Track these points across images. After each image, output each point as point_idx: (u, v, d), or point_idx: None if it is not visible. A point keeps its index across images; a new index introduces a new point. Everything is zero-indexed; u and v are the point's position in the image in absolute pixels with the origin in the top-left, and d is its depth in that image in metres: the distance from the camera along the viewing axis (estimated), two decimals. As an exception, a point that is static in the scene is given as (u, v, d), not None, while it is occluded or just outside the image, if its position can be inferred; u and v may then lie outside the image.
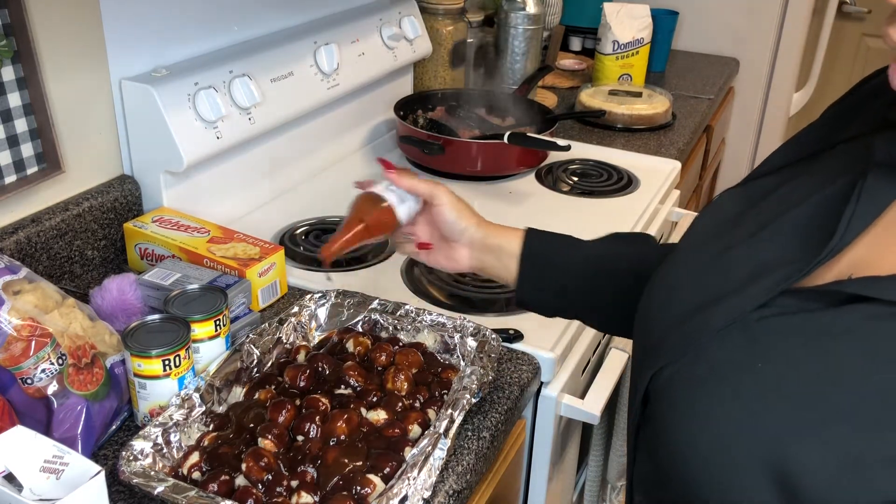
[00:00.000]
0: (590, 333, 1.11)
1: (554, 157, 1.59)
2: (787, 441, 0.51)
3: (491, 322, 1.02)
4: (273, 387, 0.87)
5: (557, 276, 0.90)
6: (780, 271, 0.57)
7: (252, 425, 0.81)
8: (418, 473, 0.73)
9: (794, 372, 0.53)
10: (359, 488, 0.74)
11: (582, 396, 1.06)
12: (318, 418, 0.81)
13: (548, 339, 1.04)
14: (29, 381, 0.76)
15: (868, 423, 0.49)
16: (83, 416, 0.78)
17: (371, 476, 0.75)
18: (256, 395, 0.86)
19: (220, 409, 0.85)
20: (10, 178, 0.98)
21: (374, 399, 0.86)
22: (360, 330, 0.98)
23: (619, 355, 1.15)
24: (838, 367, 0.51)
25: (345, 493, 0.73)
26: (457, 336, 0.94)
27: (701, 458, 0.55)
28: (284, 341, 0.94)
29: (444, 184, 0.90)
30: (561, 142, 1.40)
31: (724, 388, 0.55)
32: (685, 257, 0.69)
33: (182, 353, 0.82)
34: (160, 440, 0.78)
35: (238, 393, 0.88)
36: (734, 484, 0.53)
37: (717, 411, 0.55)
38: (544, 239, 0.93)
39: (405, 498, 0.72)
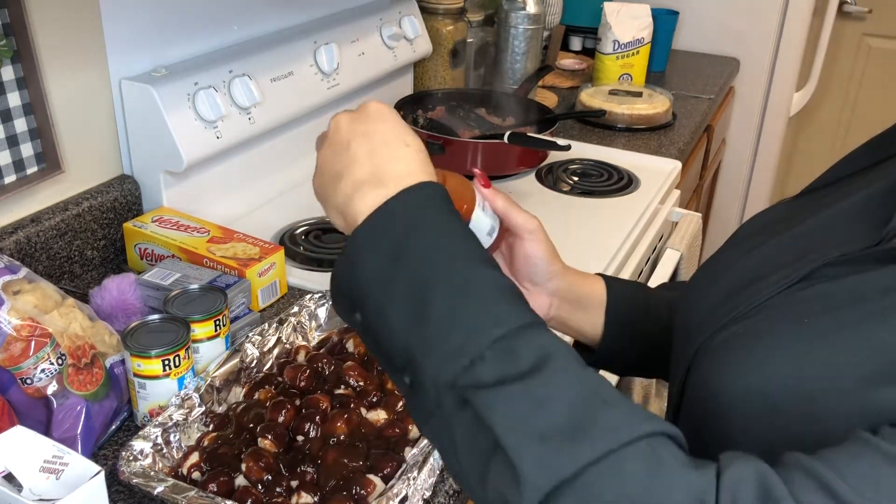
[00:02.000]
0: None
1: (554, 156, 1.58)
2: (830, 374, 0.51)
3: (491, 322, 1.02)
4: (273, 387, 0.87)
5: (645, 325, 0.82)
6: (828, 252, 0.58)
7: (252, 425, 0.81)
8: (418, 473, 0.73)
9: (839, 322, 0.53)
10: (359, 488, 0.74)
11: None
12: (317, 418, 0.81)
13: (548, 339, 1.03)
14: (28, 381, 0.76)
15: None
16: (83, 416, 0.78)
17: (371, 476, 0.75)
18: (256, 395, 0.86)
19: (220, 410, 0.85)
20: (10, 178, 0.98)
21: (374, 399, 0.86)
22: (360, 330, 0.98)
23: (619, 355, 1.15)
24: (881, 321, 0.52)
25: (345, 493, 0.73)
26: (457, 336, 0.94)
27: (740, 405, 0.55)
28: (284, 341, 0.94)
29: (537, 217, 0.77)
30: (561, 142, 1.40)
31: (769, 340, 0.56)
32: (732, 246, 0.70)
33: (182, 353, 0.82)
34: (160, 440, 0.78)
35: (238, 393, 0.88)
36: (775, 422, 0.53)
37: (760, 359, 0.55)
38: (624, 285, 0.86)
39: (405, 498, 0.72)
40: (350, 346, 0.93)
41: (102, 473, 0.65)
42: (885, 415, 0.47)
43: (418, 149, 0.60)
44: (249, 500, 0.73)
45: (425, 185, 0.57)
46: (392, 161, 0.58)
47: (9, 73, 0.95)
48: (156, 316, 0.85)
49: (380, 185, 0.57)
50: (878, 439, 0.45)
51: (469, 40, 1.83)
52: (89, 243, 1.10)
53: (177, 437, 0.79)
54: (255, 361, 0.90)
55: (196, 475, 0.77)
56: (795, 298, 0.57)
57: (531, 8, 1.78)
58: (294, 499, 0.74)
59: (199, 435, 0.82)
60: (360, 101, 1.55)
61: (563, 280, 0.79)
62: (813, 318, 0.55)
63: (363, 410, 0.84)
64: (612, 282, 0.83)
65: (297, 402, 0.84)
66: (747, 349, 0.57)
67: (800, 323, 0.55)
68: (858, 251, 0.57)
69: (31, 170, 1.01)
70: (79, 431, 0.78)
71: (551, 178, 1.53)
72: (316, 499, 0.74)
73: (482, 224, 0.71)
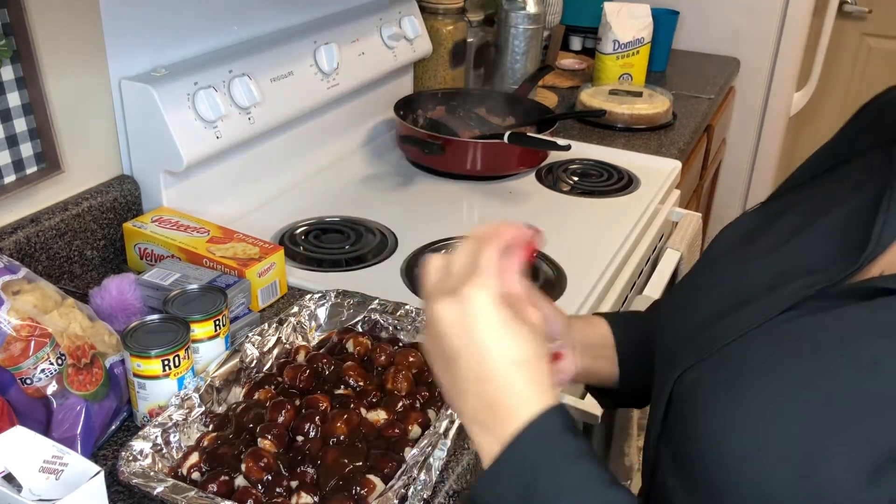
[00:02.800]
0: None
1: (554, 156, 1.58)
2: (820, 437, 0.50)
3: (491, 322, 1.02)
4: (273, 387, 0.87)
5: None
6: (808, 278, 0.58)
7: (252, 425, 0.81)
8: (418, 473, 0.73)
9: (827, 367, 0.53)
10: (359, 488, 0.74)
11: (582, 397, 1.06)
12: (317, 418, 0.81)
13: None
14: (28, 381, 0.76)
15: None
16: (82, 416, 0.78)
17: (371, 476, 0.75)
18: (256, 395, 0.86)
19: (220, 410, 0.85)
20: (10, 178, 0.98)
21: (374, 399, 0.86)
22: (360, 330, 0.98)
23: (619, 355, 1.15)
24: (873, 360, 0.51)
25: (345, 493, 0.73)
26: (457, 336, 0.94)
27: (732, 464, 0.54)
28: (284, 341, 0.94)
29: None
30: (561, 141, 1.40)
31: (754, 391, 0.55)
32: (708, 266, 0.70)
33: (182, 353, 0.82)
34: (160, 440, 0.78)
35: (238, 393, 0.88)
36: (766, 485, 0.52)
37: (746, 415, 0.54)
38: (625, 319, 0.84)
39: (405, 498, 0.72)
40: (350, 346, 0.93)
41: (102, 474, 0.65)
42: None
43: (529, 362, 0.56)
44: (249, 501, 0.73)
45: (540, 420, 0.55)
46: (502, 393, 0.56)
47: (9, 73, 0.95)
48: (156, 316, 0.85)
49: (494, 426, 0.56)
50: None
51: (469, 40, 1.82)
52: (89, 243, 1.10)
53: (177, 437, 0.79)
54: (254, 361, 0.90)
55: (196, 475, 0.77)
56: (780, 332, 0.56)
57: (531, 8, 1.78)
58: (294, 499, 0.74)
59: (198, 435, 0.81)
60: (360, 101, 1.56)
61: (577, 331, 0.78)
62: (799, 362, 0.54)
63: (363, 410, 0.84)
64: (613, 319, 0.83)
65: (297, 403, 0.84)
66: (730, 398, 0.56)
67: (785, 370, 0.54)
68: (839, 281, 0.56)
69: (31, 170, 1.01)
70: (78, 431, 0.78)
71: (551, 178, 1.53)
72: (316, 499, 0.74)
73: None
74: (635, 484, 1.25)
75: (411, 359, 0.90)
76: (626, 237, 1.31)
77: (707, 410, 0.57)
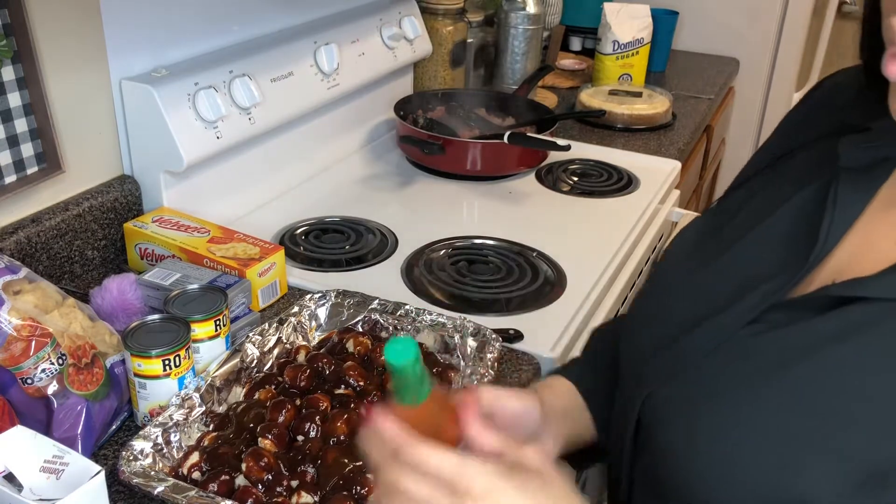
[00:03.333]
0: (589, 333, 1.11)
1: (554, 157, 1.59)
2: (795, 455, 0.50)
3: (491, 322, 1.02)
4: (273, 387, 0.87)
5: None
6: (764, 285, 0.57)
7: (252, 425, 0.81)
8: (418, 473, 0.73)
9: (793, 383, 0.52)
10: (359, 488, 0.74)
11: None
12: (318, 418, 0.81)
13: (548, 339, 1.04)
14: (29, 380, 0.76)
15: (878, 426, 0.48)
16: (83, 416, 0.78)
17: (371, 476, 0.75)
18: (256, 395, 0.86)
19: (220, 409, 0.85)
20: (10, 178, 0.98)
21: (374, 399, 0.86)
22: (360, 330, 0.98)
23: (619, 355, 1.15)
24: (838, 373, 0.50)
25: (345, 493, 0.73)
26: (457, 336, 0.94)
27: (707, 483, 0.53)
28: (284, 341, 0.94)
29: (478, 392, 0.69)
30: (561, 142, 1.40)
31: (724, 408, 0.54)
32: (663, 281, 0.68)
33: (182, 353, 0.82)
34: (160, 440, 0.78)
35: (238, 393, 0.88)
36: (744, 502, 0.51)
37: (718, 432, 0.54)
38: (581, 368, 0.81)
39: (405, 498, 0.72)
40: (350, 346, 0.93)
41: (102, 473, 0.65)
42: None
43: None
44: (249, 500, 0.73)
45: None
46: None
47: (9, 73, 0.95)
48: (156, 316, 0.85)
49: None
50: None
51: (469, 40, 1.83)
52: (90, 243, 1.10)
53: (177, 437, 0.80)
54: (255, 361, 0.90)
55: (196, 475, 0.77)
56: (744, 347, 0.56)
57: (531, 8, 1.78)
58: (294, 499, 0.74)
59: (199, 435, 0.82)
60: (360, 101, 1.56)
61: (549, 404, 0.73)
62: (766, 377, 0.53)
63: (363, 410, 0.84)
64: (573, 375, 0.79)
65: (298, 402, 0.84)
66: (700, 415, 0.55)
67: (752, 385, 0.53)
68: (792, 286, 0.55)
69: (32, 170, 1.01)
70: (79, 431, 0.78)
71: (551, 178, 1.53)
72: (316, 499, 0.74)
73: None
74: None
75: (411, 359, 0.90)
76: (626, 237, 1.31)
77: (678, 429, 0.56)
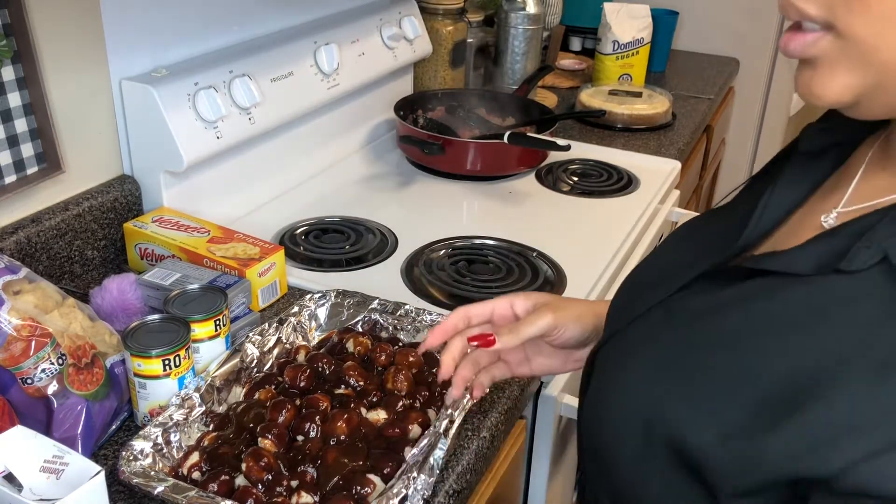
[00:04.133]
0: (590, 333, 1.11)
1: (554, 157, 1.59)
2: (671, 408, 0.54)
3: (491, 322, 1.02)
4: (273, 387, 0.87)
5: None
6: (708, 258, 0.61)
7: (252, 425, 0.81)
8: (418, 473, 0.73)
9: (677, 338, 0.57)
10: (359, 488, 0.74)
11: (582, 396, 1.06)
12: (318, 418, 0.81)
13: (548, 339, 1.03)
14: (29, 380, 0.76)
15: (731, 386, 0.51)
16: (83, 416, 0.78)
17: (371, 476, 0.75)
18: (256, 395, 0.86)
19: (220, 409, 0.85)
20: (10, 178, 0.98)
21: (374, 399, 0.86)
22: (360, 330, 0.98)
23: (619, 355, 1.15)
24: (712, 332, 0.54)
25: (345, 493, 0.73)
26: (457, 336, 0.94)
27: (608, 427, 0.58)
28: (284, 341, 0.94)
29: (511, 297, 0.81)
30: (561, 142, 1.40)
31: (637, 358, 0.59)
32: (638, 266, 0.74)
33: (182, 353, 0.82)
34: (160, 440, 0.78)
35: (238, 393, 0.88)
36: (636, 453, 0.56)
37: (622, 381, 0.59)
38: None
39: (405, 498, 0.72)
40: (350, 346, 0.93)
41: (102, 473, 0.65)
42: (774, 467, 0.48)
43: None
44: (249, 500, 0.73)
45: None
46: None
47: (9, 73, 0.95)
48: (156, 316, 0.85)
49: None
50: None
51: (469, 40, 1.83)
52: (90, 243, 1.10)
53: (177, 437, 0.80)
54: (255, 361, 0.90)
55: (196, 475, 0.77)
56: (668, 310, 0.60)
57: (531, 8, 1.78)
58: (294, 499, 0.74)
59: (199, 435, 0.82)
60: (360, 101, 1.56)
61: (587, 318, 0.79)
62: (672, 334, 0.58)
63: (363, 410, 0.84)
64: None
65: (298, 402, 0.84)
66: (618, 367, 0.61)
67: (660, 341, 0.58)
68: (725, 261, 0.59)
69: (32, 170, 1.01)
70: (79, 431, 0.78)
71: (551, 178, 1.53)
72: (316, 499, 0.74)
73: None
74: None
75: (411, 358, 0.90)
76: (626, 237, 1.31)
77: (599, 380, 0.63)
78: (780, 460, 0.47)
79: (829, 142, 0.60)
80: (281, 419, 0.81)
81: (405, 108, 1.60)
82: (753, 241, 0.60)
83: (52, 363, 0.77)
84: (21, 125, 0.98)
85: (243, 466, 0.76)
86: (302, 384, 0.87)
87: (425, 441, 0.77)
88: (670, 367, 0.56)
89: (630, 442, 0.56)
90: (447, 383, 0.88)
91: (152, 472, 0.74)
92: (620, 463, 0.58)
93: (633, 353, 0.60)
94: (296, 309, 0.97)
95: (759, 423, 0.49)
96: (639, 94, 1.86)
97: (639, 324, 0.62)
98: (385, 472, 0.76)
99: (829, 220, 0.56)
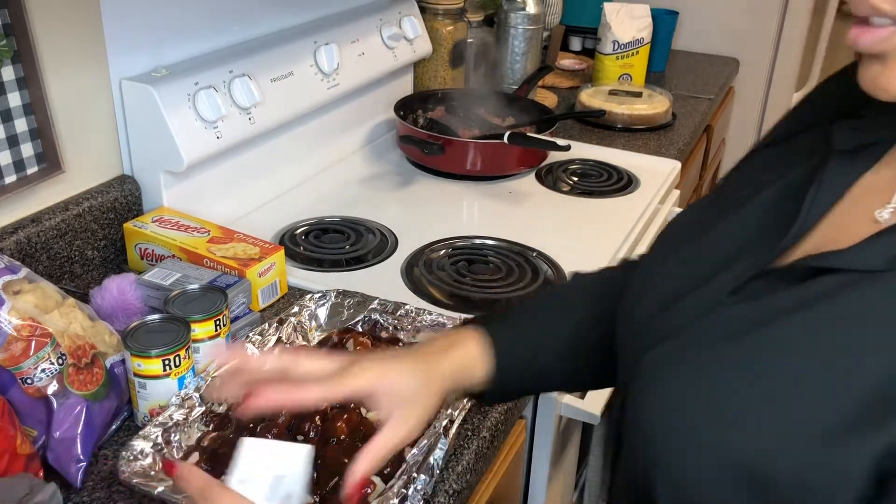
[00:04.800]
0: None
1: (554, 157, 1.59)
2: (741, 415, 0.52)
3: (491, 322, 1.02)
4: (273, 387, 0.87)
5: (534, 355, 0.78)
6: (749, 258, 0.59)
7: (252, 425, 0.81)
8: (418, 473, 0.73)
9: (744, 348, 0.55)
10: (359, 488, 0.74)
11: (582, 396, 1.06)
12: (317, 418, 0.81)
13: (548, 339, 1.03)
14: (29, 380, 0.76)
15: (822, 390, 0.50)
16: (83, 416, 0.78)
17: (371, 476, 0.75)
18: (256, 395, 0.86)
19: (220, 409, 0.85)
20: (10, 178, 0.98)
21: (374, 399, 0.86)
22: (360, 330, 0.98)
23: (619, 355, 1.15)
24: (783, 341, 0.53)
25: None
26: (457, 336, 0.94)
27: (667, 441, 0.56)
28: (284, 341, 0.94)
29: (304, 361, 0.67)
30: (561, 142, 1.40)
31: (692, 369, 0.57)
32: (661, 252, 0.71)
33: (182, 353, 0.82)
34: (160, 440, 0.78)
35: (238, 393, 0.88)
36: (702, 472, 0.53)
37: (678, 395, 0.56)
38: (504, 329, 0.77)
39: (405, 498, 0.72)
40: (350, 346, 0.93)
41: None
42: (858, 468, 0.47)
43: None
44: (249, 500, 0.73)
45: None
46: None
47: (9, 73, 0.95)
48: (156, 316, 0.85)
49: None
50: None
51: (469, 40, 1.83)
52: (90, 243, 1.10)
53: (177, 437, 0.80)
54: (255, 361, 0.90)
55: (196, 475, 0.77)
56: (719, 316, 0.58)
57: (531, 8, 1.78)
58: (294, 498, 0.74)
59: (199, 435, 0.82)
60: (360, 101, 1.56)
61: (441, 371, 0.70)
62: (731, 344, 0.55)
63: (363, 410, 0.84)
64: (490, 329, 0.76)
65: (298, 402, 0.84)
66: (667, 382, 0.58)
67: (718, 350, 0.56)
68: (771, 259, 0.58)
69: (32, 170, 1.01)
70: (79, 431, 0.78)
71: (551, 178, 1.53)
72: (316, 498, 0.74)
73: None
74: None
75: (411, 359, 0.90)
76: (626, 237, 1.31)
77: (651, 392, 0.59)
78: (886, 458, 0.47)
79: (864, 141, 0.60)
80: (281, 419, 0.81)
81: (405, 108, 1.60)
82: (792, 242, 0.59)
83: (52, 363, 0.77)
84: (21, 125, 0.98)
85: (243, 466, 0.76)
86: (302, 384, 0.87)
87: (425, 441, 0.77)
88: (743, 380, 0.53)
89: (704, 467, 0.53)
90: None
91: (152, 472, 0.74)
92: (688, 486, 0.55)
93: (690, 362, 0.57)
94: (296, 309, 0.97)
95: (863, 422, 0.48)
96: (639, 94, 1.86)
97: (685, 334, 0.59)
98: (385, 472, 0.76)
99: (884, 215, 0.55)
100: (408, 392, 0.66)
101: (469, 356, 0.73)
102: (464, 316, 0.96)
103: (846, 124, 0.61)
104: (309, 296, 1.00)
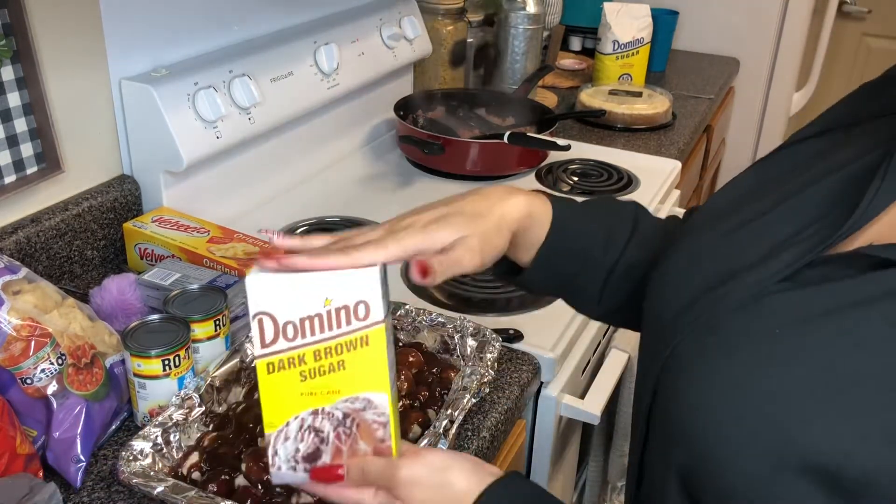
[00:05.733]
0: (590, 333, 1.11)
1: (554, 157, 1.59)
2: (800, 411, 0.50)
3: (491, 322, 1.02)
4: (273, 387, 0.87)
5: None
6: (802, 244, 0.57)
7: (252, 425, 0.81)
8: (418, 473, 0.73)
9: (813, 339, 0.52)
10: (359, 488, 0.74)
11: (582, 396, 1.06)
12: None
13: (548, 339, 1.04)
14: (28, 380, 0.76)
15: (887, 388, 0.48)
16: (83, 416, 0.78)
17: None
18: (256, 395, 0.86)
19: (220, 409, 0.85)
20: (10, 178, 0.98)
21: (374, 399, 0.86)
22: (360, 330, 0.98)
23: (619, 355, 1.15)
24: (861, 334, 0.51)
25: (345, 493, 0.73)
26: (457, 336, 0.94)
27: (719, 426, 0.53)
28: (284, 341, 0.94)
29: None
30: (561, 142, 1.40)
31: (740, 362, 0.54)
32: (704, 231, 0.68)
33: (182, 353, 0.82)
34: (160, 440, 0.78)
35: (238, 393, 0.88)
36: (751, 451, 0.51)
37: (731, 385, 0.54)
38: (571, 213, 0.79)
39: (405, 498, 0.72)
40: (350, 346, 0.93)
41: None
42: None
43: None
44: (249, 500, 0.73)
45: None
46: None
47: (9, 73, 0.95)
48: (156, 316, 0.85)
49: None
50: None
51: (469, 40, 1.83)
52: (89, 243, 1.10)
53: (177, 437, 0.79)
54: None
55: (196, 475, 0.77)
56: (770, 303, 0.56)
57: (531, 8, 1.78)
58: (294, 499, 0.74)
59: (199, 435, 0.82)
60: (360, 101, 1.56)
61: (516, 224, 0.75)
62: (787, 333, 0.53)
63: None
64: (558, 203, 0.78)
65: (297, 402, 0.84)
66: (717, 363, 0.55)
67: (773, 340, 0.54)
68: (825, 248, 0.56)
69: (31, 170, 1.01)
70: (79, 431, 0.78)
71: (551, 178, 1.53)
72: (316, 499, 0.74)
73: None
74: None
75: (411, 359, 0.90)
76: (626, 237, 1.31)
77: (695, 381, 0.56)
78: None
79: None
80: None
81: (405, 108, 1.60)
82: (850, 232, 0.56)
83: (52, 363, 0.77)
84: (21, 125, 0.98)
85: (243, 467, 0.76)
86: (302, 384, 0.87)
87: (425, 441, 0.77)
88: (802, 375, 0.51)
89: (760, 465, 0.51)
90: (448, 382, 0.88)
91: (152, 473, 0.74)
92: (736, 487, 0.53)
93: (740, 349, 0.55)
94: (296, 309, 0.97)
95: None
96: (639, 94, 1.86)
97: (730, 319, 0.57)
98: (385, 472, 0.75)
99: None
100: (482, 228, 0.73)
101: (542, 207, 0.76)
102: (464, 316, 0.97)
103: None
104: (309, 296, 1.00)
